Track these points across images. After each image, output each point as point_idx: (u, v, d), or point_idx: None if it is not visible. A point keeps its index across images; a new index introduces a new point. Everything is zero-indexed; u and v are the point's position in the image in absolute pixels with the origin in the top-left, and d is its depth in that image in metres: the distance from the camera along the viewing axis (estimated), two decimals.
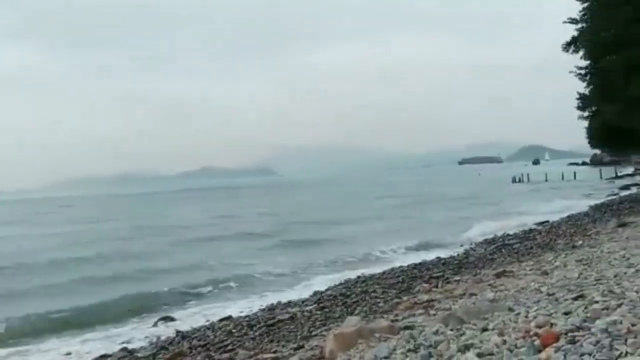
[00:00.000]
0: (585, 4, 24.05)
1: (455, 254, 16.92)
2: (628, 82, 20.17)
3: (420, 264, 15.56)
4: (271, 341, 9.10)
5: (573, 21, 24.27)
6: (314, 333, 9.10)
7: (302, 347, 8.16)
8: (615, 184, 47.82)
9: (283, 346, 8.56)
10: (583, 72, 25.41)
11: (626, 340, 3.66)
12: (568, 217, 23.73)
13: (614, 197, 33.21)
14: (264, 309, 12.44)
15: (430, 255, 17.57)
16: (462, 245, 19.24)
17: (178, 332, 11.24)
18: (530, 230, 20.59)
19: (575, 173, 65.91)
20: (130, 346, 10.70)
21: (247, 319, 11.40)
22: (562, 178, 63.50)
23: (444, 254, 17.55)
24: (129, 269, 19.76)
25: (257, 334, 9.83)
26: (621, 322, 4.08)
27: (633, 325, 3.96)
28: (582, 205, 29.85)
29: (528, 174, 70.98)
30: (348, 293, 12.41)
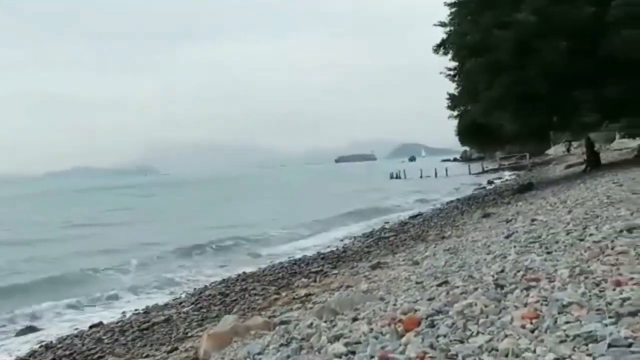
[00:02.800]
0: (453, 9, 25.55)
1: (335, 249, 17.26)
2: (491, 84, 21.68)
3: (300, 259, 15.71)
4: (144, 345, 8.73)
5: (442, 24, 25.68)
6: (189, 334, 8.86)
7: (176, 349, 7.91)
8: (481, 178, 51.38)
9: (156, 350, 8.25)
10: (452, 73, 26.96)
11: (478, 321, 3.86)
12: (439, 210, 25.12)
13: (480, 190, 35.60)
14: (138, 313, 11.90)
15: (311, 251, 17.78)
16: (341, 240, 19.64)
17: (42, 342, 10.42)
18: (405, 223, 21.51)
19: (447, 169, 69.82)
20: None
21: (119, 324, 10.86)
22: (435, 174, 67.18)
23: (323, 248, 17.84)
24: None
25: (129, 339, 9.38)
26: (476, 304, 4.31)
27: (486, 306, 4.20)
28: (452, 198, 31.70)
29: (405, 170, 74.31)
30: (227, 292, 12.24)
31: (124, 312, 12.31)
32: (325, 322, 6.45)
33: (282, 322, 7.49)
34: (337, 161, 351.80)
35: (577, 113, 24.71)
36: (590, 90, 20.78)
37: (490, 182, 42.60)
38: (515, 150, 61.43)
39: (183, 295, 13.06)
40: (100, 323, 11.33)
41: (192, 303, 11.67)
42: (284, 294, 10.74)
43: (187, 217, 35.60)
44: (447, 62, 26.50)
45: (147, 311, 11.88)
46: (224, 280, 14.21)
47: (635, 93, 20.56)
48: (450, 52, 25.23)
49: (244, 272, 14.96)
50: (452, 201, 29.15)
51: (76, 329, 11.34)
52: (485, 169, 63.69)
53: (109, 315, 12.27)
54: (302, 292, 10.33)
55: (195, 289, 13.79)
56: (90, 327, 11.09)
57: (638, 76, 18.80)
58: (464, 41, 23.21)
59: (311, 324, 6.50)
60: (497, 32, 20.67)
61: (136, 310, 12.35)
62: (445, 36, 25.45)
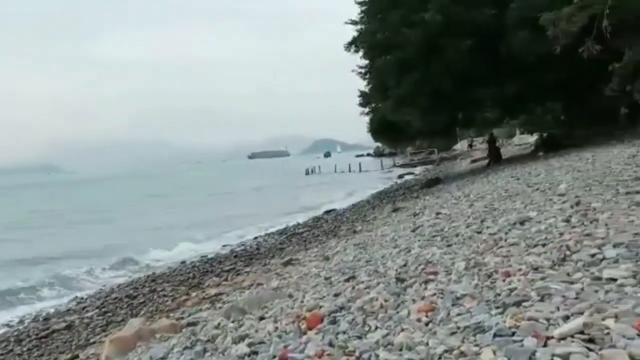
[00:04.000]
0: (363, 7, 26.03)
1: (249, 246, 17.12)
2: (399, 82, 22.30)
3: (212, 258, 15.43)
4: (41, 355, 8.26)
5: (353, 22, 26.08)
6: (92, 340, 8.47)
7: (76, 357, 7.56)
8: (393, 173, 52.83)
9: (55, 359, 7.80)
10: (363, 71, 27.49)
11: (377, 315, 3.93)
12: (352, 205, 25.52)
13: (391, 185, 36.56)
14: (37, 320, 11.21)
15: (226, 248, 17.52)
16: (255, 238, 19.46)
17: None
18: (319, 218, 21.70)
19: (360, 164, 71.14)
20: None
21: (15, 332, 10.19)
22: (350, 169, 68.36)
23: (237, 246, 17.63)
24: None
25: (25, 348, 8.82)
26: (377, 299, 4.39)
27: (386, 301, 4.29)
28: (364, 193, 32.33)
29: (319, 166, 75.14)
30: (135, 294, 11.80)
31: (21, 320, 11.58)
32: (232, 322, 6.37)
33: (190, 324, 7.33)
34: (250, 157, 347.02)
35: (481, 110, 26.01)
36: (491, 88, 21.86)
37: (400, 177, 43.88)
38: (425, 145, 63.61)
39: (87, 300, 12.45)
40: None
41: (97, 307, 11.17)
42: (194, 294, 10.51)
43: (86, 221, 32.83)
44: (358, 59, 26.97)
45: (47, 317, 11.23)
46: (132, 282, 13.70)
47: (531, 91, 21.89)
48: (361, 50, 25.68)
49: (154, 273, 14.51)
50: (364, 196, 29.72)
51: None
52: (397, 164, 65.56)
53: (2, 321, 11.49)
54: (213, 291, 10.16)
55: (101, 290, 13.21)
56: None
57: (533, 75, 19.97)
58: (374, 39, 23.69)
59: (218, 324, 6.41)
60: (405, 30, 21.27)
61: (35, 317, 11.65)
62: (356, 34, 25.87)
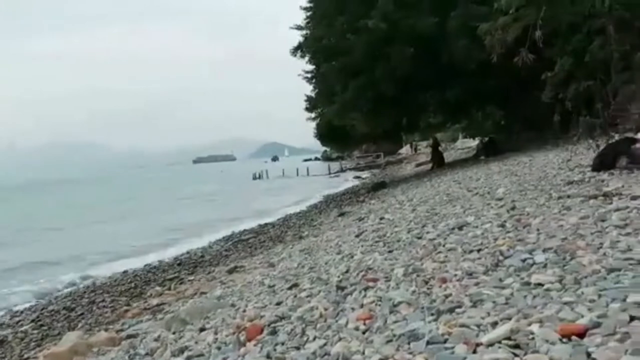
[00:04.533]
0: (309, 13, 26.19)
1: (193, 253, 16.83)
2: (345, 86, 22.54)
3: (155, 266, 15.07)
4: None
5: (298, 28, 26.20)
6: (26, 356, 8.11)
7: None
8: (340, 178, 53.21)
9: None
10: (309, 76, 27.65)
11: (317, 325, 3.93)
12: (299, 210, 25.51)
13: (338, 189, 36.75)
14: None
15: (170, 256, 17.09)
16: (201, 245, 19.04)
17: None
18: (266, 224, 21.54)
19: (308, 168, 71.27)
20: None
21: None
22: (297, 173, 68.34)
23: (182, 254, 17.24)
24: None
25: None
26: (317, 308, 4.40)
27: (325, 309, 4.29)
28: (311, 197, 32.33)
29: (267, 171, 74.73)
30: (73, 306, 11.37)
31: None
32: (173, 333, 6.25)
33: (129, 336, 7.14)
34: (195, 162, 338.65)
35: (424, 115, 26.62)
36: (435, 93, 22.42)
37: (347, 181, 44.24)
38: (372, 149, 64.38)
39: (22, 313, 11.92)
40: None
41: (32, 320, 10.69)
42: (135, 304, 10.23)
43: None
44: (305, 64, 27.10)
45: None
46: (70, 293, 13.22)
47: (472, 97, 22.55)
48: (307, 55, 25.82)
49: (94, 283, 14.05)
50: (312, 200, 29.76)
51: None
52: (344, 168, 66.05)
53: None
54: (155, 301, 9.92)
55: (37, 302, 12.69)
56: None
57: (474, 82, 20.58)
58: (319, 45, 23.86)
59: (158, 336, 6.28)
60: (351, 36, 21.55)
61: None
62: (302, 39, 26.00)
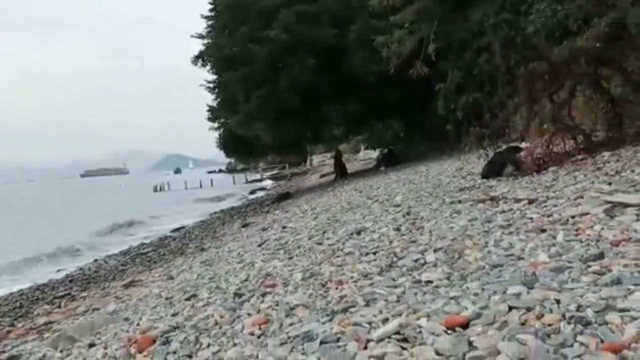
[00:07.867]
0: (211, 22, 25.87)
1: (87, 269, 15.93)
2: (248, 96, 22.37)
3: (44, 284, 14.09)
4: None
5: (200, 36, 25.79)
6: None
7: None
8: (245, 189, 52.74)
9: None
10: (211, 85, 27.19)
11: (211, 332, 3.83)
12: (202, 221, 24.95)
13: (243, 200, 36.42)
14: None
15: (60, 273, 16.06)
16: (95, 260, 18.05)
17: None
18: (166, 237, 20.88)
19: (212, 180, 70.09)
20: None
21: None
22: (201, 186, 66.95)
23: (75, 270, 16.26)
24: None
25: None
26: (212, 316, 4.29)
27: (221, 317, 4.20)
28: (215, 209, 31.72)
29: (169, 183, 72.60)
30: None
31: None
32: (60, 351, 5.87)
33: (11, 358, 6.61)
34: (82, 176, 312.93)
35: (327, 126, 27.01)
36: (336, 105, 22.83)
37: (252, 192, 43.94)
38: (277, 161, 64.48)
39: None
40: None
41: None
42: (20, 324, 9.49)
43: None
44: (207, 74, 26.67)
45: None
46: None
47: (372, 109, 23.19)
48: (209, 64, 25.45)
49: None
50: (215, 212, 29.21)
51: None
52: (249, 180, 65.61)
53: None
54: (42, 320, 9.26)
55: None
56: None
57: (374, 94, 21.19)
58: (221, 54, 23.59)
59: (43, 355, 5.87)
60: (252, 46, 21.46)
61: None
62: (203, 48, 25.61)
